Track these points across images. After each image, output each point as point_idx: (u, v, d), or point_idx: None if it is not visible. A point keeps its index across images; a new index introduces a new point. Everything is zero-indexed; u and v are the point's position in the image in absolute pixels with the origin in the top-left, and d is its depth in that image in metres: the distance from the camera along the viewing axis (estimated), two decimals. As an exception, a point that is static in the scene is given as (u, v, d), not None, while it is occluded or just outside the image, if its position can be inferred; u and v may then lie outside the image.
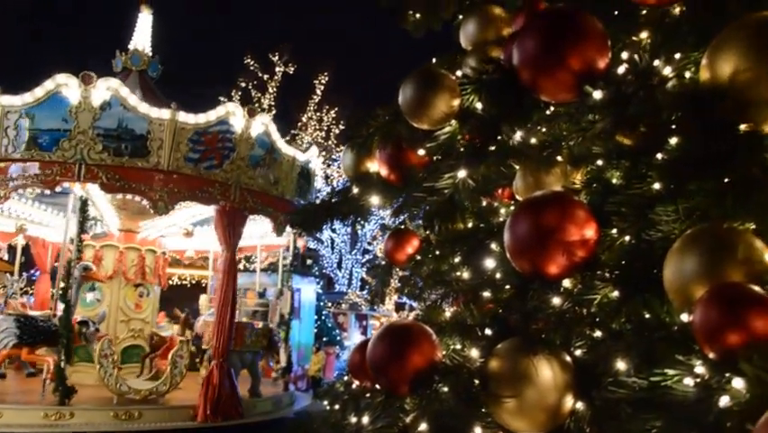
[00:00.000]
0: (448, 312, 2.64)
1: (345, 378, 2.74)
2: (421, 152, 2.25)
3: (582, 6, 2.33)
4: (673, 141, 1.63)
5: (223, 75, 34.23)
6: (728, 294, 1.25)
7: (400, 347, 1.88)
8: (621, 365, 1.62)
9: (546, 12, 1.81)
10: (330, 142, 30.25)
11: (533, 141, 2.30)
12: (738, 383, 1.15)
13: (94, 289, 12.57)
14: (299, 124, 29.83)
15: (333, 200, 2.71)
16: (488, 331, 2.04)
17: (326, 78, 30.24)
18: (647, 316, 1.55)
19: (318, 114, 30.49)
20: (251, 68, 28.85)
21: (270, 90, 29.11)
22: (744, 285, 1.27)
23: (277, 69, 29.09)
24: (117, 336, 12.64)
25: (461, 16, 3.28)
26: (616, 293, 1.70)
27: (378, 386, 2.03)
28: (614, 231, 1.78)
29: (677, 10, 1.94)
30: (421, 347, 1.87)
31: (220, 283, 11.60)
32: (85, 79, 10.16)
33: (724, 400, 1.17)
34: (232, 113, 11.29)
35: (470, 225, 2.81)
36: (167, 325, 14.78)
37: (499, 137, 1.95)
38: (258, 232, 14.15)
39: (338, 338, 24.50)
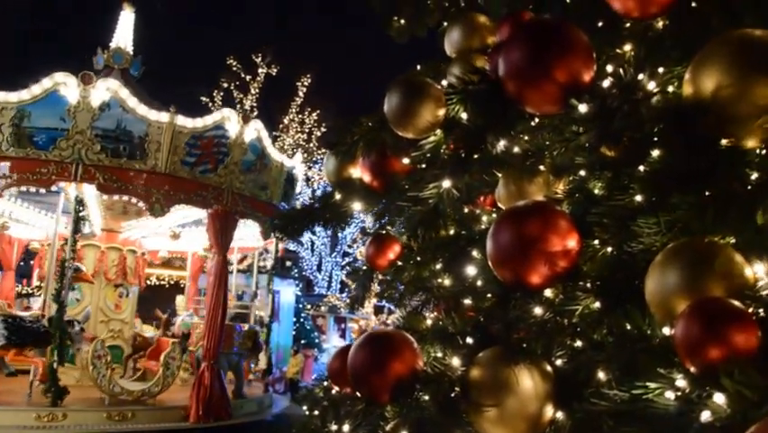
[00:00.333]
0: (429, 319, 2.64)
1: (325, 383, 2.72)
2: (406, 160, 2.25)
3: (567, 18, 2.35)
4: (655, 153, 1.65)
5: (205, 75, 34.04)
6: (709, 309, 1.26)
7: (382, 355, 1.87)
8: (602, 375, 1.63)
9: (532, 23, 1.82)
10: (311, 145, 30.21)
11: (516, 150, 2.31)
12: (719, 399, 1.16)
13: (73, 288, 12.49)
14: (281, 126, 29.72)
15: (314, 206, 2.70)
16: (469, 339, 2.04)
17: (309, 81, 30.18)
18: (629, 327, 1.56)
19: (300, 116, 30.42)
20: (234, 68, 28.70)
21: (253, 91, 28.97)
22: (725, 300, 1.28)
23: (259, 70, 28.97)
24: (97, 337, 12.55)
25: (445, 23, 3.30)
26: (597, 304, 1.70)
27: (358, 394, 2.02)
28: (596, 242, 1.79)
29: (660, 24, 1.96)
30: (402, 356, 1.86)
31: (210, 285, 11.72)
32: (84, 79, 10.14)
33: (705, 415, 1.18)
34: (227, 118, 11.50)
35: (451, 232, 2.81)
36: (140, 325, 14.70)
37: (484, 147, 1.96)
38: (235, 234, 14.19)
39: (316, 341, 24.44)
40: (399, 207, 2.33)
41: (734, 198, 1.50)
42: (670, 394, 1.28)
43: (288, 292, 23.30)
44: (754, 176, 1.52)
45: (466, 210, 2.90)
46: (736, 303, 1.27)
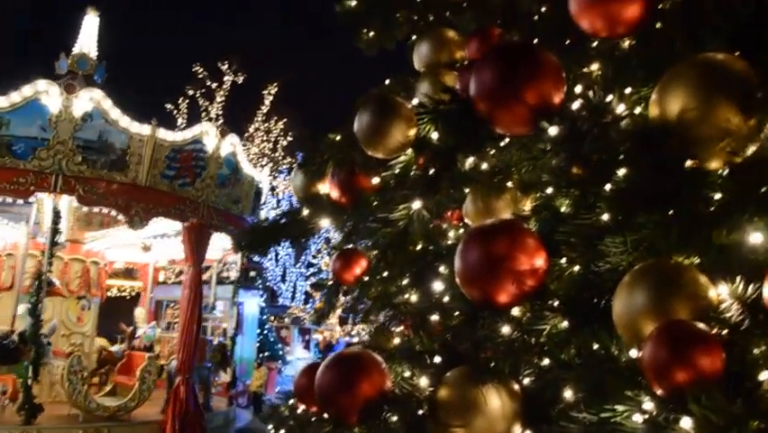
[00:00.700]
0: (397, 338, 2.62)
1: (291, 402, 2.69)
2: (376, 180, 2.24)
3: (536, 35, 2.38)
4: (622, 172, 1.66)
5: (170, 82, 33.68)
6: (676, 332, 1.27)
7: (350, 376, 1.85)
8: (569, 395, 1.64)
9: (503, 45, 1.83)
10: (277, 154, 30.03)
11: (484, 166, 2.32)
12: (686, 423, 1.16)
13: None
14: (246, 134, 29.50)
15: (281, 221, 2.67)
16: (437, 359, 2.03)
17: (275, 89, 30.02)
18: (596, 348, 1.57)
19: (266, 124, 30.22)
20: (200, 75, 28.41)
21: (218, 99, 28.71)
22: (691, 323, 1.29)
23: (225, 77, 28.74)
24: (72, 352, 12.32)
25: (414, 37, 3.30)
26: (565, 324, 1.71)
27: (326, 414, 2.00)
28: (563, 260, 1.80)
29: (627, 43, 1.99)
30: (371, 376, 1.85)
31: (185, 299, 11.64)
32: (68, 89, 9.93)
33: (673, 439, 1.18)
34: (206, 132, 11.60)
35: (419, 247, 2.81)
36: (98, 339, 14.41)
37: (454, 165, 1.95)
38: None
39: (280, 353, 24.19)
40: (370, 230, 2.31)
41: (697, 218, 1.52)
42: (637, 417, 1.28)
43: (251, 304, 23.04)
44: (717, 196, 1.54)
45: (433, 225, 2.90)
46: (702, 326, 1.29)
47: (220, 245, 13.16)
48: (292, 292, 32.45)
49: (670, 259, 1.51)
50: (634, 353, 1.43)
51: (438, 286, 2.62)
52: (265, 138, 30.09)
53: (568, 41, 2.16)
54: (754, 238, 1.45)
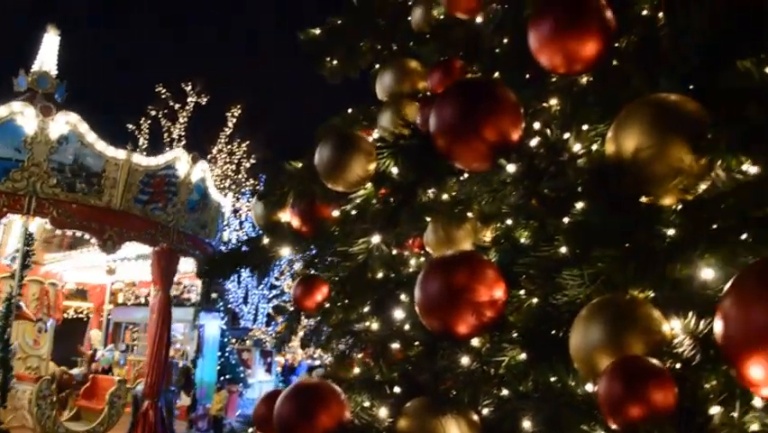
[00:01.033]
0: (357, 367, 2.61)
1: (250, 430, 2.65)
2: (336, 213, 2.24)
3: (497, 68, 2.42)
4: (579, 205, 1.69)
5: (132, 102, 33.31)
6: (630, 368, 1.29)
7: (309, 406, 1.84)
8: (528, 425, 1.65)
9: (463, 82, 1.86)
10: (240, 176, 29.84)
11: (445, 197, 2.34)
12: (640, 459, 1.18)
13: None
14: (209, 156, 29.23)
15: (242, 249, 2.65)
16: (397, 389, 2.03)
17: (239, 111, 29.89)
18: (553, 380, 1.58)
19: (229, 146, 30.03)
20: (163, 96, 28.15)
21: (181, 120, 28.46)
22: (645, 359, 1.32)
23: (189, 99, 28.51)
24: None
25: (377, 65, 3.33)
26: (523, 355, 1.73)
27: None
28: (522, 292, 1.82)
29: (584, 80, 2.03)
30: (329, 407, 1.83)
31: (154, 322, 11.69)
32: (44, 111, 9.77)
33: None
34: (178, 158, 11.80)
35: (380, 275, 2.81)
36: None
37: (413, 198, 1.97)
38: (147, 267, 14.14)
39: (242, 375, 23.80)
40: (330, 264, 2.32)
41: (652, 253, 1.55)
42: (593, 452, 1.30)
43: (212, 326, 22.66)
44: (671, 232, 1.58)
45: (395, 251, 2.91)
46: (656, 362, 1.31)
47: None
48: (254, 314, 32.04)
49: (626, 293, 1.54)
50: (589, 387, 1.45)
51: (399, 314, 2.63)
52: (228, 160, 29.88)
53: (528, 75, 2.21)
54: (706, 274, 1.49)
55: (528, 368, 1.70)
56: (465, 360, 1.82)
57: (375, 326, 2.76)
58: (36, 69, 13.06)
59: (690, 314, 1.46)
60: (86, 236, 10.98)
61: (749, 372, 1.06)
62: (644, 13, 1.99)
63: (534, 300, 1.79)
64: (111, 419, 10.63)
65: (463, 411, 1.79)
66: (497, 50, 2.51)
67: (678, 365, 1.38)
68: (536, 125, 1.81)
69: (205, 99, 28.63)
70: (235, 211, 28.32)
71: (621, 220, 1.56)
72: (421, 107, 2.48)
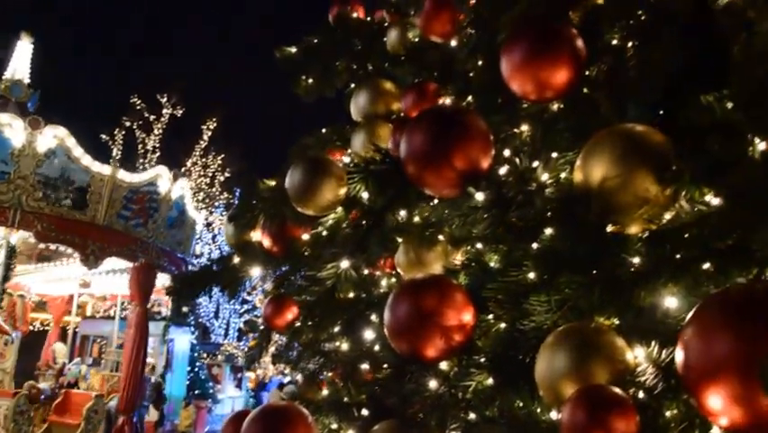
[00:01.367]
0: (325, 389, 2.60)
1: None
2: (306, 236, 2.25)
3: (470, 91, 2.44)
4: (548, 231, 1.71)
5: (106, 113, 33.01)
6: (593, 397, 1.31)
7: (275, 430, 1.82)
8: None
9: (434, 109, 1.87)
10: (214, 189, 29.65)
11: (416, 219, 2.35)
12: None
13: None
14: (183, 168, 29.00)
15: (212, 268, 2.64)
16: (364, 411, 2.02)
17: (214, 124, 29.74)
18: (519, 406, 1.59)
19: (204, 159, 29.85)
20: (138, 107, 27.91)
21: (156, 132, 28.23)
22: (608, 388, 1.33)
23: (164, 110, 28.31)
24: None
25: (353, 85, 3.35)
26: (490, 381, 1.73)
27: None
28: (490, 317, 1.83)
29: (555, 107, 2.07)
30: (296, 430, 1.82)
31: (131, 338, 11.69)
32: (32, 124, 9.69)
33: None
34: (160, 175, 11.96)
35: (350, 295, 2.81)
36: None
37: (383, 222, 1.98)
38: (118, 281, 14.02)
39: (211, 391, 23.50)
40: (299, 288, 2.32)
41: (618, 281, 1.58)
42: (557, 480, 1.30)
43: (182, 340, 22.38)
44: (636, 261, 1.61)
45: (366, 271, 2.91)
46: (619, 391, 1.32)
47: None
48: (225, 329, 31.72)
49: (591, 321, 1.56)
50: (554, 414, 1.46)
51: (369, 334, 2.63)
52: (202, 173, 29.69)
53: (500, 100, 2.24)
54: (669, 302, 1.52)
55: (495, 393, 1.71)
56: (433, 383, 1.82)
57: (345, 346, 2.76)
58: (8, 77, 12.90)
59: (653, 343, 1.48)
60: (62, 249, 10.93)
61: (708, 401, 1.08)
62: (614, 42, 2.03)
63: (503, 325, 1.80)
64: (88, 435, 10.44)
65: (430, 435, 1.79)
66: (470, 74, 2.55)
67: (641, 394, 1.40)
68: (506, 152, 1.83)
69: (181, 111, 28.46)
70: (208, 225, 28.11)
71: (588, 248, 1.58)
72: (394, 130, 2.50)
